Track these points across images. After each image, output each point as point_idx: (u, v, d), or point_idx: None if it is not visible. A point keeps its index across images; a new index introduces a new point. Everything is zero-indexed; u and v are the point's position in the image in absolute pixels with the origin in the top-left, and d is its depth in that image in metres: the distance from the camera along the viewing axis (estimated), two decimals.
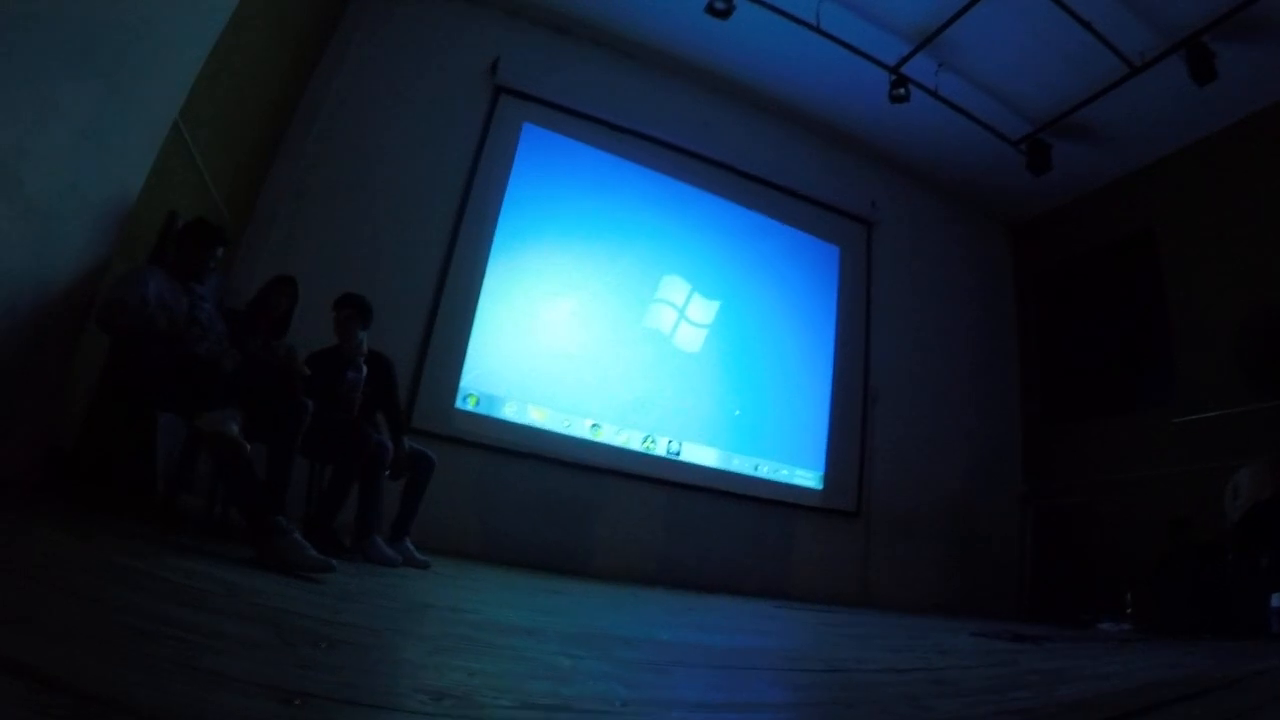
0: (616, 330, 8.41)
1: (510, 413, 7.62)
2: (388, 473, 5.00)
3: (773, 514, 8.70)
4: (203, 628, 1.64)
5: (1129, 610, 7.79)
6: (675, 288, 8.79)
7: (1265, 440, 7.39)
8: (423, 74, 8.10)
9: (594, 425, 7.95)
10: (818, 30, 8.14)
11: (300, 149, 7.27)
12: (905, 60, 8.67)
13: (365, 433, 4.83)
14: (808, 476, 9.09)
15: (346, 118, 7.58)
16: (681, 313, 8.74)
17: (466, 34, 8.44)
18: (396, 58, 7.98)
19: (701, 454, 8.46)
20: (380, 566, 4.40)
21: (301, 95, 7.38)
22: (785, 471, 8.94)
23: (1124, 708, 2.13)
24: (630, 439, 8.11)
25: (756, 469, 8.74)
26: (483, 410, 7.50)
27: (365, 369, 5.13)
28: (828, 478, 9.20)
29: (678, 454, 8.31)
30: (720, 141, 9.59)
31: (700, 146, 9.44)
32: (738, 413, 8.84)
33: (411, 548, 4.88)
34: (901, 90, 8.77)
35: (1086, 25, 7.71)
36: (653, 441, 8.20)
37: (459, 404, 7.40)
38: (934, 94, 8.95)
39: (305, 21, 6.87)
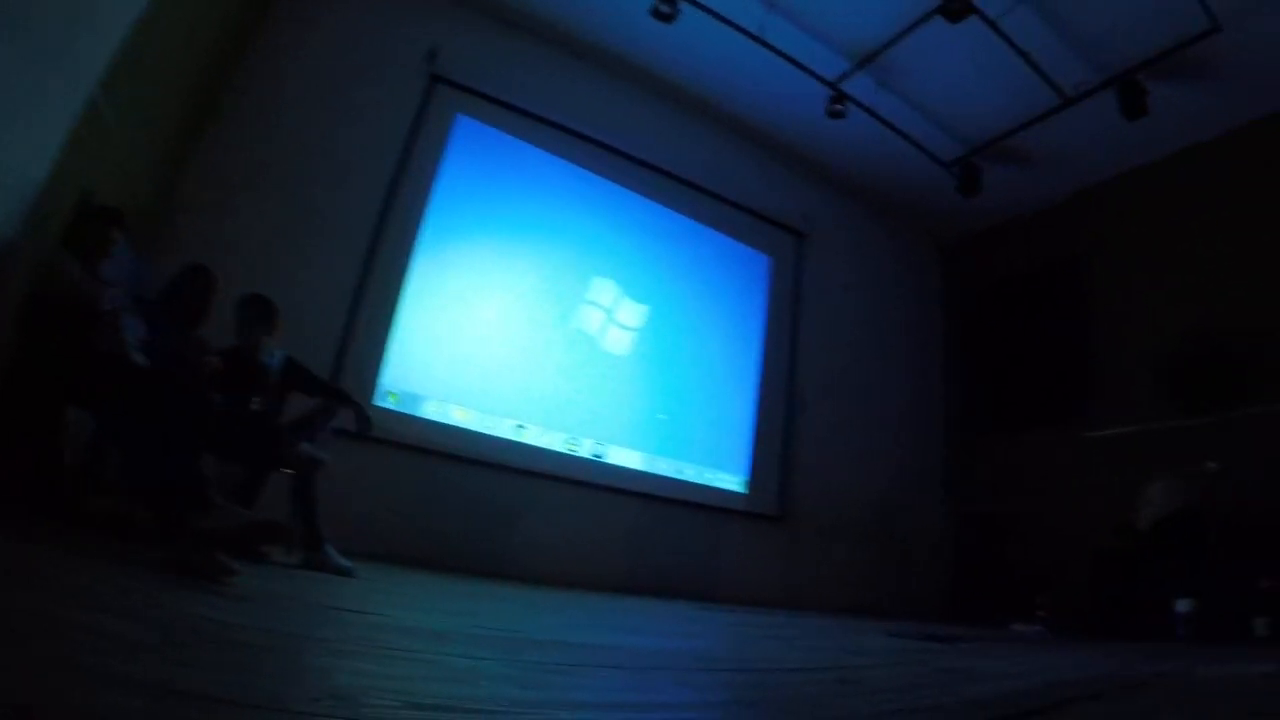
0: (543, 330, 8.34)
1: (432, 412, 7.51)
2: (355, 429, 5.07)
3: (698, 517, 8.72)
4: (92, 628, 1.58)
5: (1041, 613, 7.96)
6: (604, 289, 8.77)
7: (1177, 455, 7.68)
8: (357, 60, 7.91)
9: (518, 426, 7.88)
10: (760, 41, 8.20)
11: (226, 132, 7.05)
12: (845, 77, 8.78)
13: (281, 433, 4.78)
14: (732, 480, 9.16)
15: (274, 101, 7.37)
16: (610, 315, 8.72)
17: (405, 21, 8.27)
18: (331, 42, 7.79)
19: (626, 457, 8.46)
20: (336, 576, 4.35)
21: (230, 76, 7.15)
22: (710, 475, 8.99)
23: (1026, 706, 2.18)
24: (554, 440, 8.06)
25: (681, 472, 8.77)
26: (403, 409, 7.38)
27: (280, 359, 5.08)
28: (752, 482, 9.28)
29: (602, 456, 8.29)
30: (656, 145, 9.61)
31: (636, 149, 9.44)
32: (663, 416, 8.86)
33: (333, 553, 4.68)
34: (839, 106, 8.88)
35: (1024, 55, 7.91)
36: (577, 443, 8.17)
37: (378, 401, 7.24)
38: (871, 112, 9.07)
39: (237, 1, 6.73)
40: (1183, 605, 6.56)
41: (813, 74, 8.70)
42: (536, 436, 7.96)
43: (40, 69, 3.63)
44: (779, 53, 8.37)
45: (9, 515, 3.26)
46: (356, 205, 7.60)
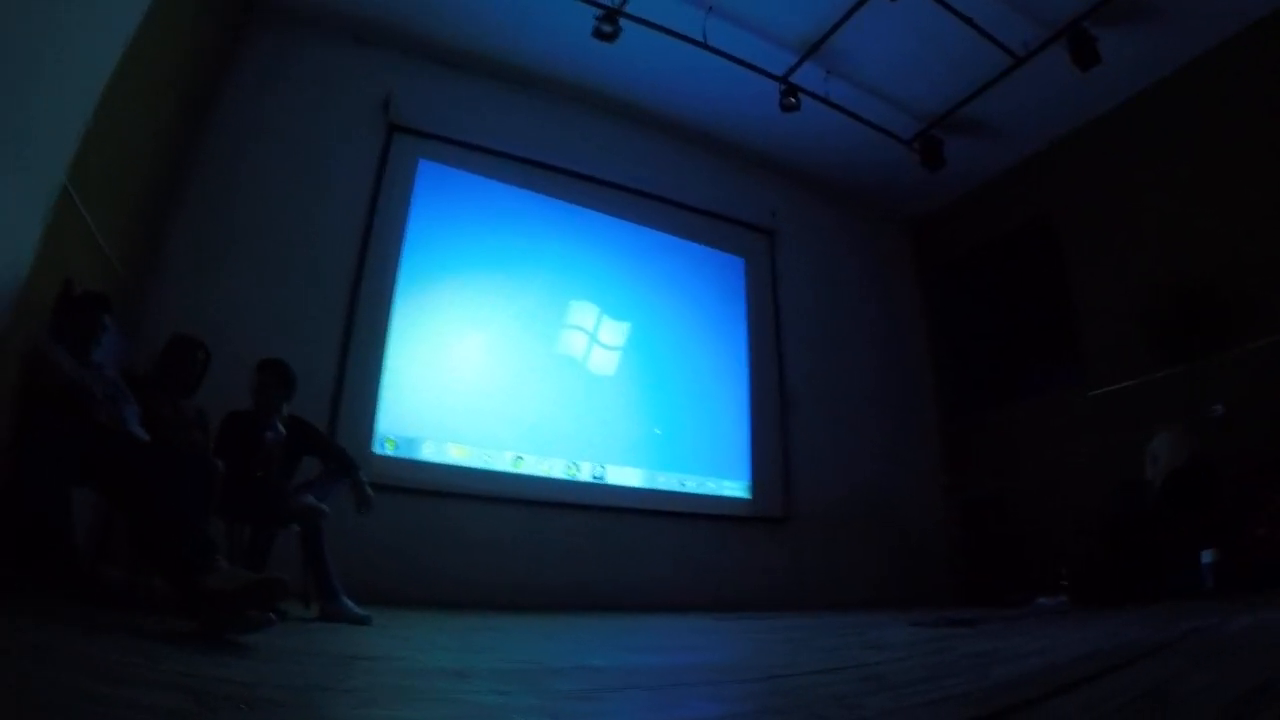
0: (529, 360, 8.38)
1: (429, 453, 7.54)
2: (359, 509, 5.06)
3: (703, 528, 8.73)
4: (121, 700, 1.58)
5: (1064, 584, 7.91)
6: (584, 313, 8.81)
7: (1175, 405, 7.65)
8: (315, 117, 8.01)
9: (516, 457, 7.91)
10: (705, 46, 8.26)
11: (196, 202, 7.13)
12: (793, 69, 8.83)
13: (283, 490, 4.81)
14: (735, 487, 9.17)
15: (241, 166, 7.45)
16: (593, 337, 8.76)
17: (358, 74, 8.37)
18: (288, 103, 7.88)
19: (626, 475, 8.50)
20: (353, 625, 4.37)
21: (194, 147, 7.21)
22: (712, 484, 9.01)
23: (1055, 684, 2.13)
24: (553, 468, 8.09)
25: (683, 484, 8.80)
26: (401, 453, 7.42)
27: (283, 430, 5.08)
28: (755, 486, 9.29)
29: (602, 478, 8.32)
30: (617, 164, 9.66)
31: (598, 170, 9.50)
32: (658, 431, 8.89)
33: (348, 603, 4.71)
34: (792, 99, 8.94)
35: (968, 21, 7.93)
36: (576, 468, 8.19)
37: (376, 449, 7.29)
38: (824, 100, 9.12)
39: (194, 71, 6.71)
40: (1207, 557, 6.55)
41: (761, 71, 8.79)
42: (534, 465, 7.99)
43: (11, 171, 3.66)
44: (724, 55, 8.44)
45: (27, 596, 3.27)
46: (333, 258, 7.67)
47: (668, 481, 8.73)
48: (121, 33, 4.65)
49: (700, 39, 8.22)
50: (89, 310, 4.09)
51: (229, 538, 4.76)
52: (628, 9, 7.85)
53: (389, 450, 7.37)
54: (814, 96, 9.04)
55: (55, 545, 3.57)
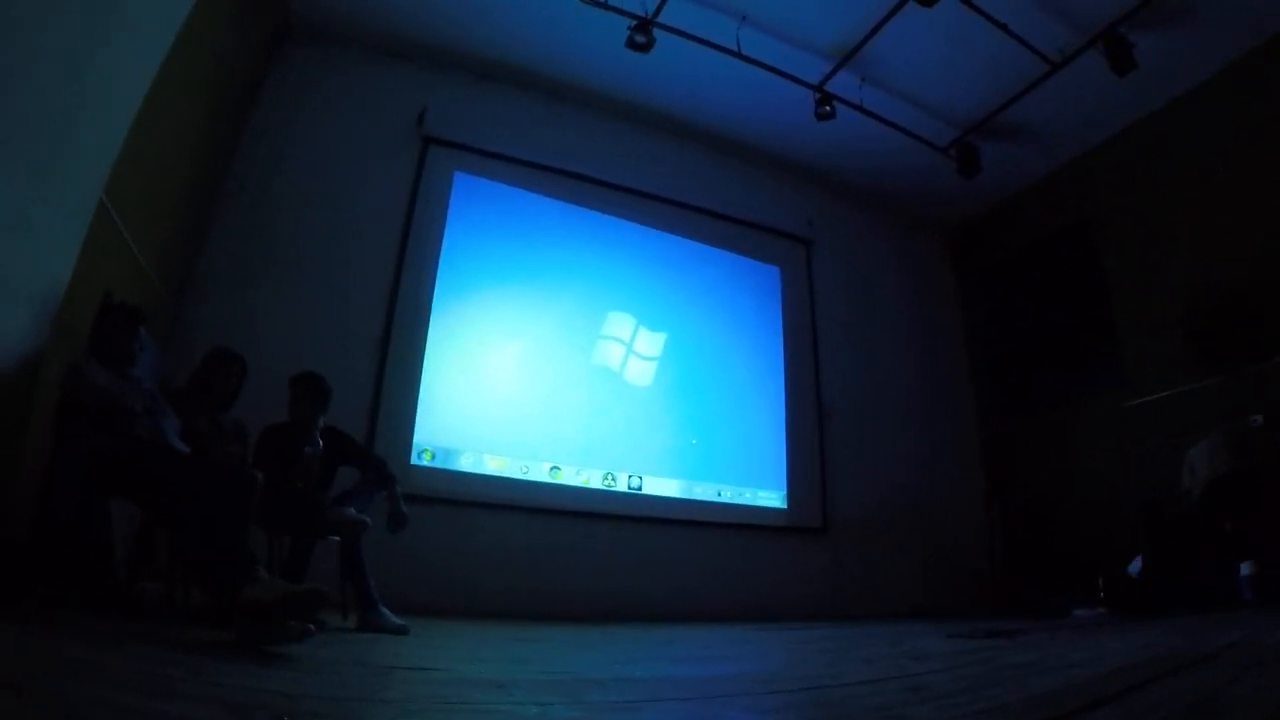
0: (566, 371, 8.39)
1: (467, 464, 7.56)
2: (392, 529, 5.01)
3: (740, 538, 8.68)
4: (158, 713, 1.59)
5: (1102, 594, 7.83)
6: (620, 323, 8.81)
7: (1214, 414, 7.52)
8: (350, 132, 8.08)
9: (553, 468, 7.91)
10: (739, 55, 8.24)
11: (232, 216, 7.22)
12: (828, 78, 8.79)
13: (321, 502, 4.81)
14: (772, 497, 9.12)
15: (276, 181, 7.52)
16: (629, 347, 8.76)
17: (390, 89, 8.44)
18: (323, 118, 7.96)
19: (663, 486, 8.46)
20: (392, 635, 4.38)
21: (230, 162, 7.32)
22: (749, 495, 8.96)
23: (1097, 694, 2.12)
24: (590, 478, 8.09)
25: (720, 495, 8.75)
26: (439, 464, 7.44)
27: (321, 443, 5.09)
28: (792, 496, 9.23)
29: (639, 488, 8.30)
30: (652, 174, 9.66)
31: (632, 181, 9.50)
32: (694, 441, 8.85)
33: (387, 614, 4.72)
34: (827, 107, 8.88)
35: (1002, 27, 7.84)
36: (613, 479, 8.18)
37: (414, 460, 7.31)
38: (859, 108, 9.06)
39: (228, 88, 6.80)
40: (1246, 568, 6.46)
41: (795, 79, 8.74)
42: (572, 476, 8.00)
43: (50, 187, 3.71)
44: (758, 64, 8.41)
45: (65, 609, 3.28)
46: (369, 271, 7.73)
47: (704, 492, 8.68)
48: (157, 48, 4.70)
49: (734, 48, 8.20)
50: (124, 323, 4.12)
51: (269, 549, 4.78)
52: (661, 19, 7.83)
53: (427, 461, 7.39)
54: (849, 104, 8.98)
55: (92, 558, 3.60)
